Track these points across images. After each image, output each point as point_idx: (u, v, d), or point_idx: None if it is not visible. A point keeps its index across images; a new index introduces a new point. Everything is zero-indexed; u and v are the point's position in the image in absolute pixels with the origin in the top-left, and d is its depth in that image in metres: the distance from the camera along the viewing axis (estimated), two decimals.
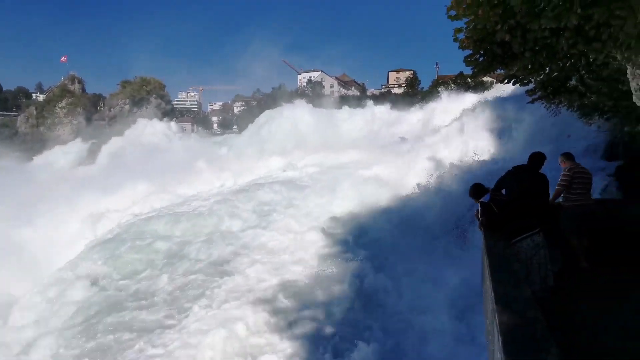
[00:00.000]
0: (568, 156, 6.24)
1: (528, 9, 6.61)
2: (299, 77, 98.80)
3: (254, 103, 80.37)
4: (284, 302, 9.12)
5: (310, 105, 46.00)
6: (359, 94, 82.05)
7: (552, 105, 11.80)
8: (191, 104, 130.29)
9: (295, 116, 40.11)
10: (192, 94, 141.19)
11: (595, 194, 12.51)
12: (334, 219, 14.25)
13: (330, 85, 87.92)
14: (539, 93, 9.42)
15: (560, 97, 9.56)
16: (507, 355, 1.46)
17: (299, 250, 11.89)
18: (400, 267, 9.03)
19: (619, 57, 5.96)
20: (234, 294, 9.78)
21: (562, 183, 5.82)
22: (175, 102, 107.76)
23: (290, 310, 8.72)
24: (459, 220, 9.90)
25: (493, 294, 2.15)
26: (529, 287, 2.78)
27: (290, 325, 8.08)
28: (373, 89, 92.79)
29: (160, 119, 61.17)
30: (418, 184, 14.01)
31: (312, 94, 70.29)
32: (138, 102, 66.60)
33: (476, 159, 15.86)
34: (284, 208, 16.82)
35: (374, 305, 7.31)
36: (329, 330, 7.18)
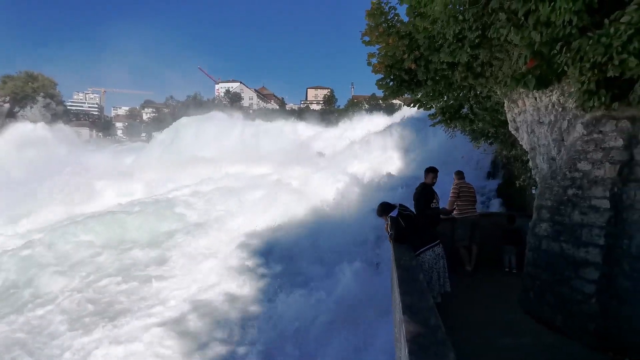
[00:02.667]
0: (459, 174, 7.44)
1: (430, 44, 7.45)
2: (217, 86, 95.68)
3: (166, 110, 74.90)
4: (195, 323, 8.51)
5: (229, 116, 44.82)
6: (278, 107, 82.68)
7: (450, 129, 13.34)
8: (90, 107, 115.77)
9: (213, 126, 38.50)
10: (92, 96, 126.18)
11: (483, 207, 14.46)
12: (250, 233, 13.90)
13: (250, 98, 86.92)
14: (438, 118, 10.55)
15: (456, 122, 10.83)
16: None
17: (213, 267, 11.26)
18: (316, 281, 9.14)
19: (498, 92, 7.01)
20: (138, 315, 8.79)
21: (452, 195, 7.40)
22: (70, 103, 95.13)
23: (202, 332, 8.15)
24: (371, 233, 10.44)
25: (401, 305, 2.29)
26: (431, 293, 3.05)
27: (201, 347, 7.54)
28: (292, 104, 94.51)
29: (49, 122, 53.15)
30: (334, 198, 14.49)
31: (231, 105, 68.44)
32: (21, 100, 57.22)
33: (386, 174, 17.08)
34: (196, 223, 15.88)
35: (290, 325, 7.19)
36: (242, 351, 6.87)
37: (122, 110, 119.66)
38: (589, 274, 4.21)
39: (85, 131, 67.35)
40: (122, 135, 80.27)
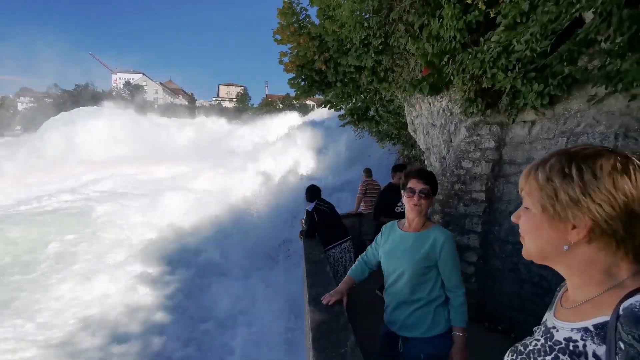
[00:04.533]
0: (367, 171, 7.91)
1: (338, 47, 7.80)
2: (114, 77, 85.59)
3: (48, 100, 64.16)
4: (88, 340, 7.51)
5: (130, 110, 40.61)
6: (187, 103, 77.77)
7: (358, 130, 14.11)
8: None
9: (107, 121, 34.36)
10: None
11: None
12: (155, 236, 12.82)
13: (154, 91, 79.82)
14: (348, 118, 11.11)
15: (363, 123, 11.54)
16: (315, 349, 1.59)
17: (111, 276, 10.06)
18: (229, 283, 8.82)
19: (399, 96, 7.66)
20: (18, 341, 7.40)
21: (359, 192, 7.84)
22: None
23: (96, 349, 7.24)
24: (286, 232, 10.50)
25: (307, 296, 2.36)
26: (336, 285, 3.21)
27: None
28: (203, 100, 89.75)
29: None
30: (247, 198, 14.21)
31: (132, 98, 61.93)
32: None
33: (300, 173, 17.36)
34: (92, 225, 14.06)
35: (199, 330, 6.80)
36: None
37: None
38: (470, 257, 4.87)
39: None
40: None
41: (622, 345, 0.61)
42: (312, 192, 5.29)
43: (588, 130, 3.78)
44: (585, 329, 0.71)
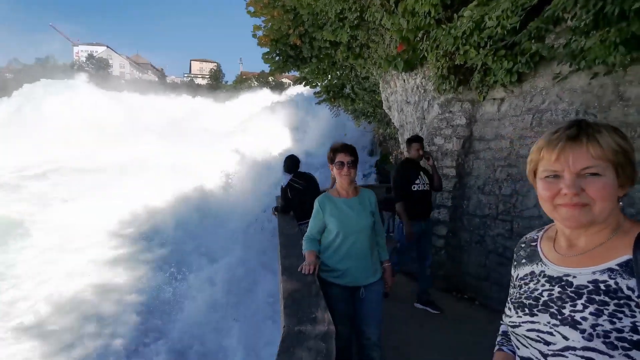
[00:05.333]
0: None
1: (314, 20, 7.62)
2: (75, 49, 79.84)
3: (9, 76, 59.46)
4: (57, 323, 7.34)
5: (93, 85, 38.36)
6: (157, 79, 74.39)
7: (334, 108, 14.04)
8: None
9: (71, 96, 32.35)
10: None
11: (366, 180, 15.90)
12: (127, 217, 12.47)
13: (121, 65, 75.42)
14: (323, 96, 11.01)
15: (339, 101, 11.48)
16: (286, 315, 1.63)
17: (79, 257, 9.76)
18: (200, 261, 8.75)
19: (374, 72, 7.64)
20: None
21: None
22: None
23: (66, 331, 7.08)
24: (261, 210, 10.45)
25: (281, 267, 2.39)
26: None
27: (65, 348, 6.57)
28: (174, 76, 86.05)
29: None
30: (222, 177, 13.98)
31: (96, 72, 58.37)
32: None
33: (275, 152, 17.20)
34: (56, 206, 13.49)
35: (174, 309, 6.77)
36: (118, 344, 6.24)
37: None
38: (440, 231, 5.05)
39: None
40: None
41: None
42: (292, 162, 5.19)
43: (552, 107, 3.93)
44: (610, 269, 0.80)
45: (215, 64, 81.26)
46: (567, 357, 0.80)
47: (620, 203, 0.86)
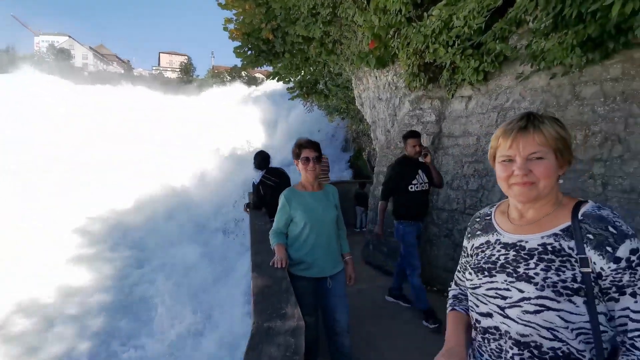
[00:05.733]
0: None
1: (286, 15, 7.54)
2: (36, 39, 75.26)
3: None
4: (21, 324, 6.95)
5: (54, 77, 36.26)
6: (123, 72, 71.24)
7: (307, 103, 13.99)
8: None
9: (27, 89, 30.38)
10: None
11: (340, 175, 15.99)
12: (92, 218, 11.94)
13: (83, 56, 71.67)
14: (297, 91, 10.94)
15: (313, 97, 11.45)
16: (256, 311, 1.62)
17: (42, 258, 9.25)
18: (164, 260, 8.51)
19: (347, 69, 7.67)
20: None
21: None
22: None
23: (31, 333, 6.73)
24: (231, 208, 10.25)
25: (252, 263, 2.37)
26: None
27: (32, 351, 6.25)
28: (142, 69, 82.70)
29: None
30: (191, 174, 13.65)
31: (57, 63, 55.08)
32: None
33: (249, 148, 16.98)
34: (16, 206, 12.72)
35: (141, 309, 6.52)
36: (83, 346, 5.98)
37: None
38: None
39: None
40: None
41: (590, 236, 0.94)
42: (262, 158, 5.10)
43: (515, 106, 4.10)
44: (555, 234, 1.00)
45: (186, 57, 78.89)
46: (522, 306, 0.98)
47: (561, 180, 1.05)
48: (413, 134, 3.99)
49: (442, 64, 4.75)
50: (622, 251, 0.91)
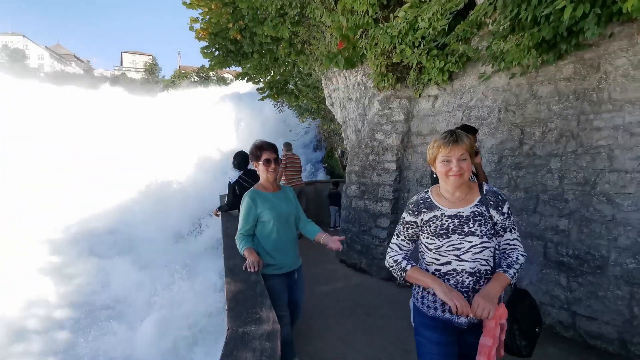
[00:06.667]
0: (287, 145, 7.79)
1: (254, 15, 7.45)
2: None
3: None
4: None
5: (7, 78, 34.01)
6: (83, 72, 67.79)
7: (278, 104, 13.90)
8: None
9: None
10: None
11: (312, 175, 16.00)
12: (56, 225, 11.31)
13: (39, 57, 67.67)
14: (267, 92, 10.84)
15: (283, 97, 11.39)
16: (230, 317, 1.59)
17: (3, 268, 8.63)
18: (140, 269, 8.17)
19: (317, 69, 7.69)
20: None
21: (280, 166, 7.31)
22: None
23: None
24: (204, 210, 9.99)
25: (224, 268, 2.33)
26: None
27: None
28: (103, 69, 78.98)
29: None
30: (163, 177, 13.20)
31: (10, 64, 51.64)
32: None
33: (219, 150, 16.66)
34: None
35: (110, 325, 6.23)
36: None
37: None
38: (383, 223, 5.27)
39: None
40: None
41: (492, 203, 1.67)
42: (242, 158, 4.97)
43: (479, 104, 4.26)
44: (476, 205, 1.66)
45: (150, 56, 76.36)
46: (472, 250, 1.61)
47: (473, 169, 1.76)
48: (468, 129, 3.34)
49: (409, 64, 4.86)
50: (505, 209, 1.66)
